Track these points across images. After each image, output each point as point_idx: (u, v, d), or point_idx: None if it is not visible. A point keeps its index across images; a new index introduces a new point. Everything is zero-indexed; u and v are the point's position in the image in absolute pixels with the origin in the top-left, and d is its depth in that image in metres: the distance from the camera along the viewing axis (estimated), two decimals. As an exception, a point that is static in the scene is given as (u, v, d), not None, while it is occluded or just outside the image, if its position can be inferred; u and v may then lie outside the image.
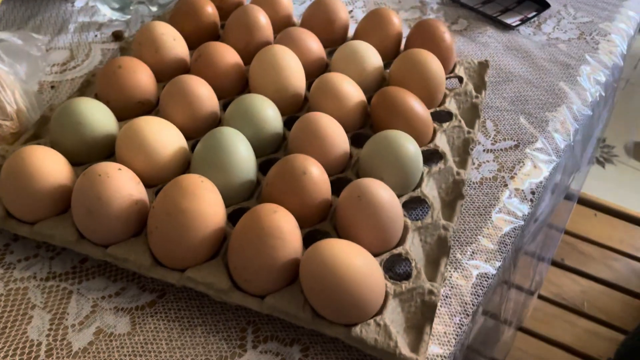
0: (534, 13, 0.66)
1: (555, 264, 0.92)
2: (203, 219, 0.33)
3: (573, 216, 0.90)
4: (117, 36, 0.57)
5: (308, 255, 0.32)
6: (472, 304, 0.39)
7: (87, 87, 0.48)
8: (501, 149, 0.49)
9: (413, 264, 0.36)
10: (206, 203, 0.34)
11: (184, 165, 0.40)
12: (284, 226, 0.33)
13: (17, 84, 0.44)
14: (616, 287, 0.91)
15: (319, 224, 0.38)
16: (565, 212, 0.75)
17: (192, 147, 0.42)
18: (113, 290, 0.37)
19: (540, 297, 0.87)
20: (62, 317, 0.35)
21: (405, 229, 0.38)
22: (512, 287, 0.48)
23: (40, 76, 0.49)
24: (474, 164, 0.47)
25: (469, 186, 0.45)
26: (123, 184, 0.34)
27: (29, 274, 0.37)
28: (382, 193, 0.35)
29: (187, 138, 0.42)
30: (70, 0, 0.62)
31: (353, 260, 0.32)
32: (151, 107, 0.45)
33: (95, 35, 0.57)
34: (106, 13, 0.59)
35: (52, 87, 0.50)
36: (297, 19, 0.57)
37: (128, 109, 0.43)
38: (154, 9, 0.59)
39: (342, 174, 0.41)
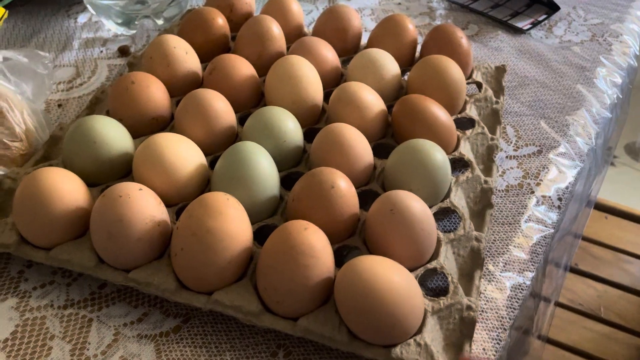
0: (544, 16, 0.65)
1: (570, 269, 0.90)
2: (230, 239, 0.32)
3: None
4: (123, 51, 0.55)
5: (344, 274, 0.30)
6: (509, 318, 0.37)
7: (97, 105, 0.46)
8: (524, 155, 0.48)
9: (450, 279, 0.34)
10: (233, 222, 0.32)
11: (204, 182, 0.38)
12: (316, 244, 0.31)
13: (24, 104, 0.43)
14: (632, 291, 0.90)
15: (348, 239, 0.36)
16: (584, 217, 0.73)
17: (210, 163, 0.40)
18: (135, 316, 0.35)
19: (557, 303, 0.85)
20: (83, 347, 0.33)
21: (438, 242, 0.36)
22: (540, 299, 0.46)
23: (47, 94, 0.47)
24: (497, 171, 0.46)
25: (495, 194, 0.44)
26: (145, 205, 0.32)
27: (45, 302, 0.35)
28: (415, 205, 0.34)
29: (205, 154, 0.40)
30: (73, 15, 0.60)
31: (391, 278, 0.30)
32: (165, 123, 0.43)
33: (101, 51, 0.56)
34: (111, 28, 0.58)
35: (59, 105, 0.49)
36: (306, 28, 0.56)
37: (142, 126, 0.41)
38: (160, 22, 0.57)
39: (367, 186, 0.40)
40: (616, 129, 0.66)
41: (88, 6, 0.56)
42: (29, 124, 0.42)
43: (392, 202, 0.34)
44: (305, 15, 0.64)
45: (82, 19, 0.60)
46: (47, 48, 0.56)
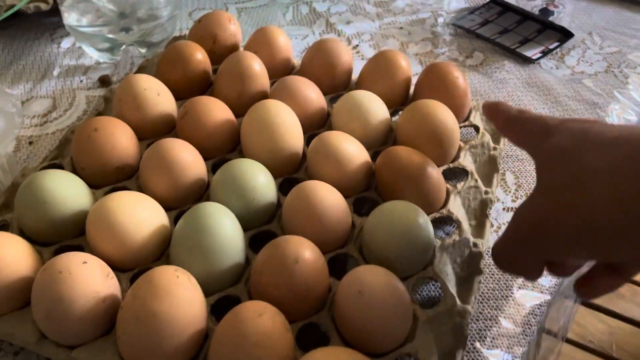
0: (557, 44, 0.61)
1: (580, 302, 0.86)
2: (178, 323, 0.29)
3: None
4: (103, 81, 0.52)
5: (299, 371, 0.27)
6: (493, 404, 0.34)
7: (66, 146, 0.43)
8: (523, 207, 0.44)
9: (424, 367, 0.31)
10: (182, 304, 0.29)
11: (165, 243, 0.35)
12: (272, 332, 0.28)
13: (-14, 147, 0.40)
14: (647, 328, 0.85)
15: (316, 315, 0.33)
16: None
17: (176, 218, 0.37)
18: (82, 393, 0.32)
19: (566, 340, 0.81)
20: None
21: (416, 320, 0.33)
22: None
23: (16, 133, 0.45)
24: (492, 225, 0.42)
25: (487, 254, 0.40)
26: (88, 281, 0.30)
27: (-11, 374, 0.33)
28: (387, 283, 0.30)
29: (171, 208, 0.37)
30: (57, 40, 0.58)
31: (352, 377, 0.27)
32: (132, 171, 0.40)
33: (81, 81, 0.53)
34: (93, 55, 0.55)
35: (30, 142, 0.46)
36: (298, 59, 0.52)
37: (106, 175, 0.39)
38: (144, 50, 0.55)
39: (343, 249, 0.36)
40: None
41: (70, 32, 0.54)
42: (-11, 170, 0.40)
43: (360, 283, 0.30)
44: (300, 40, 0.61)
45: (65, 44, 0.58)
46: (25, 77, 0.53)
